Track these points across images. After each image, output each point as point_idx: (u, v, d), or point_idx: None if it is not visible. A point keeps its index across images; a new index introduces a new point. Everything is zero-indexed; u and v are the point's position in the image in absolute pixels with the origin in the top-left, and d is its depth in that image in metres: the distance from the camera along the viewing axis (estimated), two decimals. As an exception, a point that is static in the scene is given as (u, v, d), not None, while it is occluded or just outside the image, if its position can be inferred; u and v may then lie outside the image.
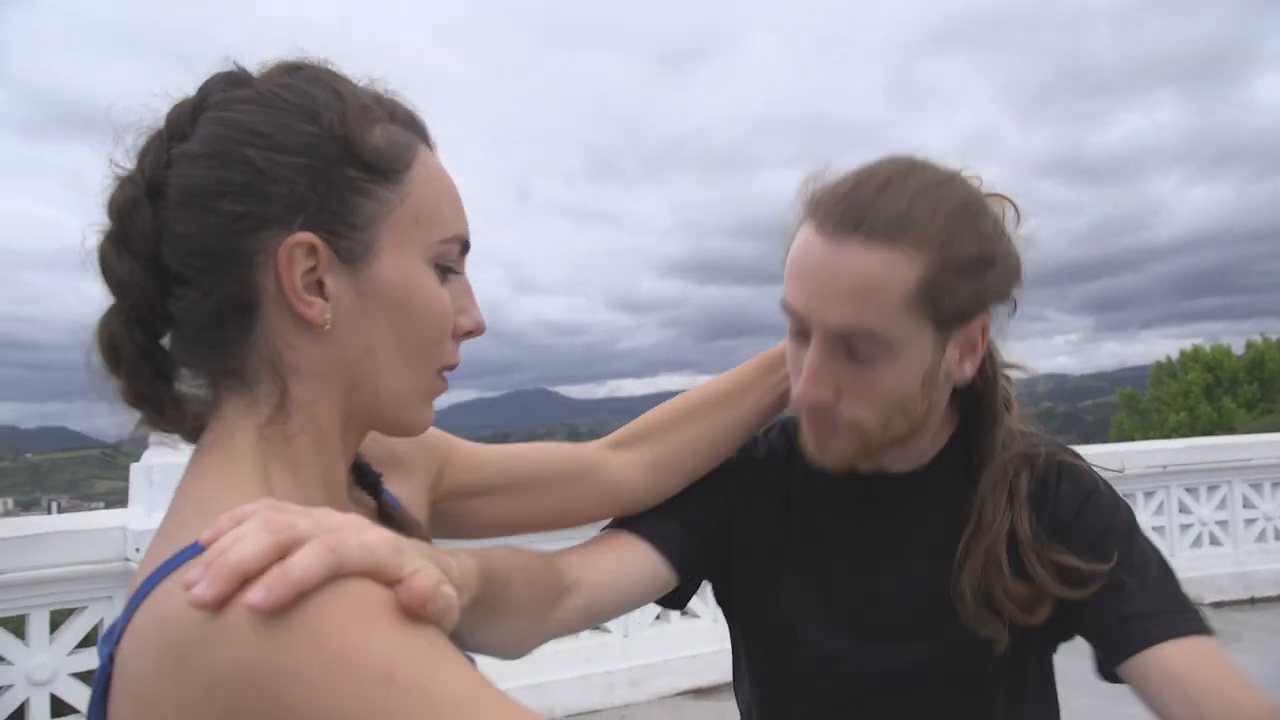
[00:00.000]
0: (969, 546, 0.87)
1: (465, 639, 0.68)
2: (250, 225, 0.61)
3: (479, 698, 0.48)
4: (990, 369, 0.91)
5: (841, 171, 0.84)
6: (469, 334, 0.72)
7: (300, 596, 0.47)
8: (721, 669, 4.44)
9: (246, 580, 0.47)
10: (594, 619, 0.89)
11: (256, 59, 0.66)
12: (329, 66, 0.67)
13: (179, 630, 0.49)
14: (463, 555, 0.65)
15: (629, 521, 0.97)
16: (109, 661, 0.55)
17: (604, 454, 0.98)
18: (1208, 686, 0.77)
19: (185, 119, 0.63)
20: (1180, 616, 0.83)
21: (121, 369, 0.64)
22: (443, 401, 0.74)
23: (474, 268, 0.72)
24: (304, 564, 0.47)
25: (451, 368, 0.71)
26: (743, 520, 1.00)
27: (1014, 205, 0.87)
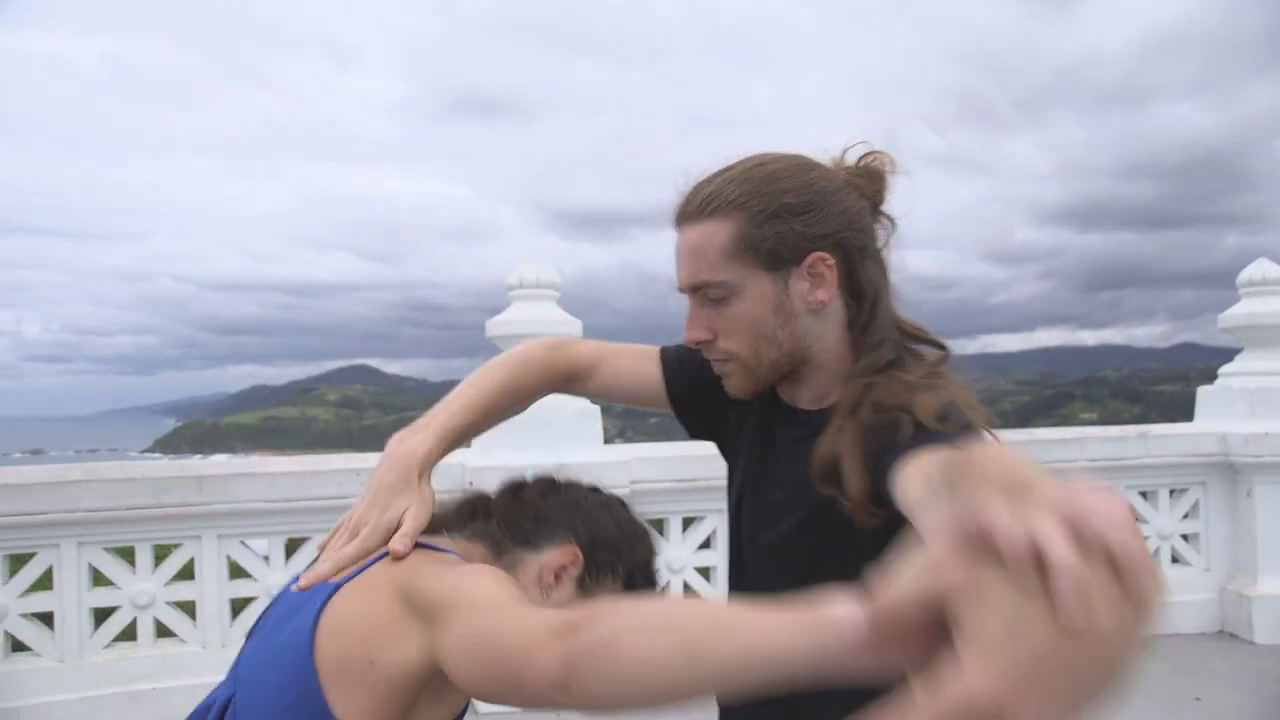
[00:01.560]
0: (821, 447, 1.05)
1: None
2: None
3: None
4: (871, 312, 1.10)
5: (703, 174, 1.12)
6: None
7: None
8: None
9: None
10: (607, 396, 1.33)
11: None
12: None
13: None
14: (426, 443, 1.12)
15: (665, 348, 1.32)
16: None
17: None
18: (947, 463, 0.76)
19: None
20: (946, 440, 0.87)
21: None
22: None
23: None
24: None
25: None
26: (723, 406, 1.24)
27: (888, 157, 1.12)
